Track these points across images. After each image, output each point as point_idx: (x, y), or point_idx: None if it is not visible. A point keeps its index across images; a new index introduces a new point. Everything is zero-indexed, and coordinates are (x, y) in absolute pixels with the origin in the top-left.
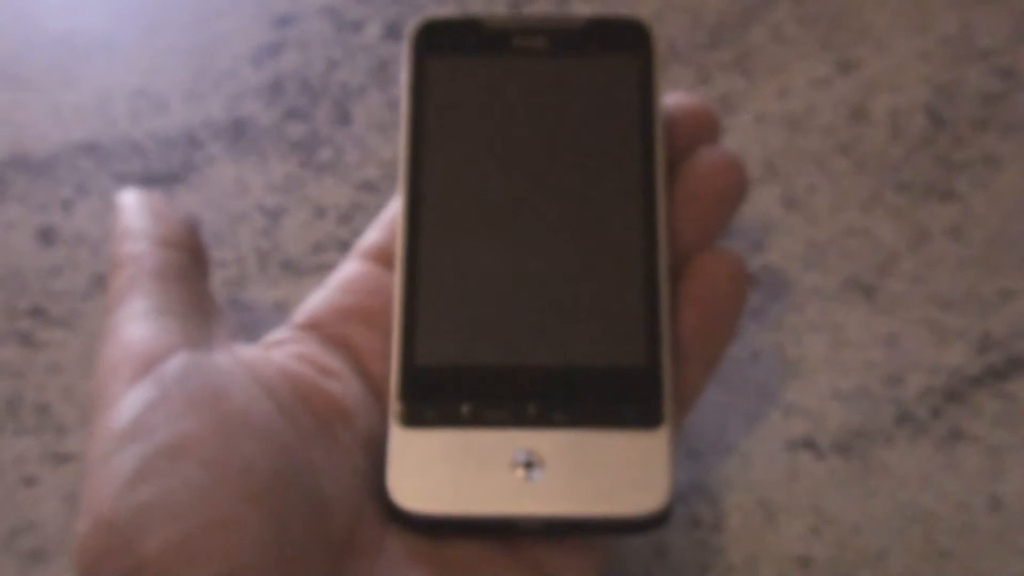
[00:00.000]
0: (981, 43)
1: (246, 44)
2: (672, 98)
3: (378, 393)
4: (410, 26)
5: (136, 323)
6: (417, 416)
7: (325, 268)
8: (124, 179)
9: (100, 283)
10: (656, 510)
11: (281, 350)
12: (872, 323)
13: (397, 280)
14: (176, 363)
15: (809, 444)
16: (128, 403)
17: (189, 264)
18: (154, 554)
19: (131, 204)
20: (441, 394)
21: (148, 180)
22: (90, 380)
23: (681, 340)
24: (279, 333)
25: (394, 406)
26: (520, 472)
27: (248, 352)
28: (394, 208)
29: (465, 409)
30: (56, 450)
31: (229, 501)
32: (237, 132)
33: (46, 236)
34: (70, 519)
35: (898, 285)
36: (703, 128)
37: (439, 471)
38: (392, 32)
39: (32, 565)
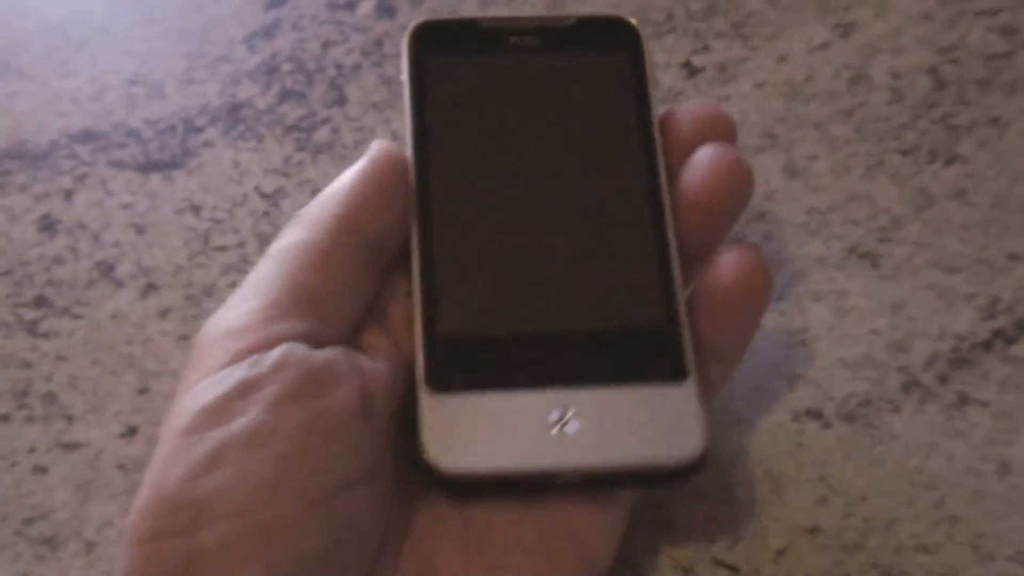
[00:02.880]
0: (983, 1)
1: (240, 27)
2: (688, 106)
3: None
4: (408, 28)
5: (268, 296)
6: (448, 382)
7: None
8: (123, 166)
9: (103, 271)
10: (694, 457)
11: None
12: (877, 290)
13: (415, 255)
14: (279, 352)
15: (815, 414)
16: (220, 379)
17: (362, 254)
18: (208, 548)
19: (354, 170)
20: (471, 361)
21: (147, 167)
22: (95, 368)
23: (702, 340)
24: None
25: (425, 373)
26: (556, 428)
27: (358, 355)
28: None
29: (496, 374)
30: (64, 439)
31: (292, 504)
32: (234, 116)
33: (48, 226)
34: (81, 507)
35: (903, 251)
36: (719, 132)
37: (474, 432)
38: (385, 10)
39: (46, 551)
